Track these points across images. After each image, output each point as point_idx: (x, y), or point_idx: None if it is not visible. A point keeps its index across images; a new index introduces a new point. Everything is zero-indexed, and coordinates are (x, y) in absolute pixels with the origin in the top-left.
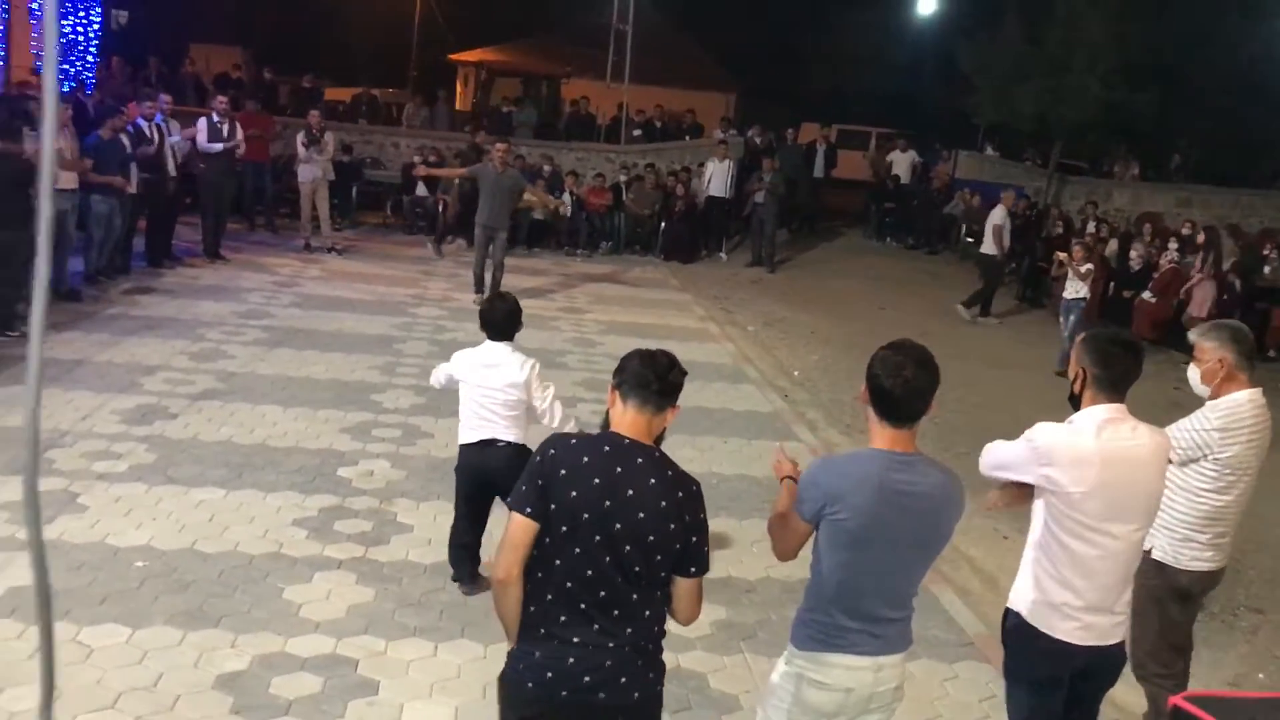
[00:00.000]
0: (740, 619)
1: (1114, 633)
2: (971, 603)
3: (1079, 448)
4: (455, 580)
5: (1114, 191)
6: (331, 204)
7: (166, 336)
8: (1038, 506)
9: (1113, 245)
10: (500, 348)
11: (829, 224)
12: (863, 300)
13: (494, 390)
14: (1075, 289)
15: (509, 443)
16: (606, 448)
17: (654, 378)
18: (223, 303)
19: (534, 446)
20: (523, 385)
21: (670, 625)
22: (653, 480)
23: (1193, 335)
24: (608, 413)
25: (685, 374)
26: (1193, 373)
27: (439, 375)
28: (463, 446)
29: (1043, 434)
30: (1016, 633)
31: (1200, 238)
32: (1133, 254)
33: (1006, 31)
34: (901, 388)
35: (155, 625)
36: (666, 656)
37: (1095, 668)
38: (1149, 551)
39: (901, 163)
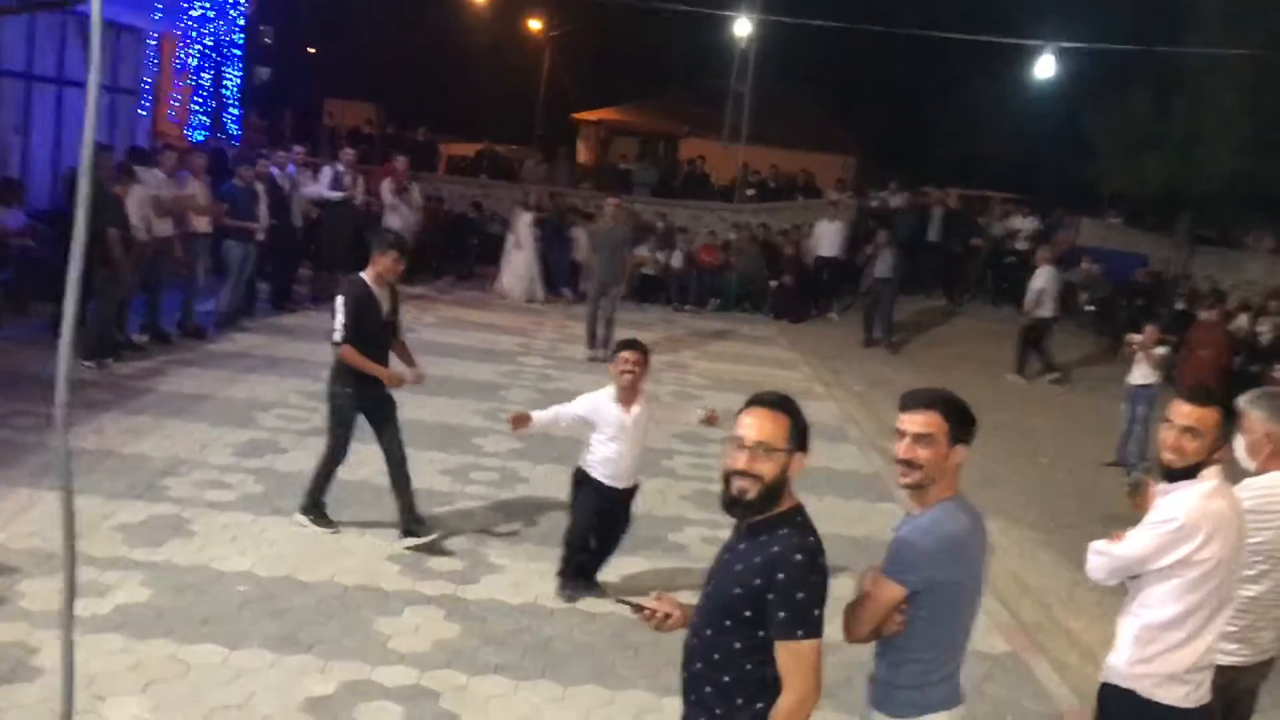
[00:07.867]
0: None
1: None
2: (1067, 675)
3: (1223, 512)
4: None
5: (1247, 263)
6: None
7: (284, 375)
8: (1155, 584)
9: (1242, 319)
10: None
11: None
12: (975, 363)
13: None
14: (1143, 375)
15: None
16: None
17: None
18: None
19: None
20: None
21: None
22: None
23: (1241, 402)
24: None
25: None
26: (1238, 443)
27: (561, 413)
28: (606, 486)
29: (1182, 510)
30: (1130, 706)
31: None
32: (1263, 328)
33: (1133, 97)
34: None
35: (251, 647)
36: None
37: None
38: None
39: (1024, 227)
